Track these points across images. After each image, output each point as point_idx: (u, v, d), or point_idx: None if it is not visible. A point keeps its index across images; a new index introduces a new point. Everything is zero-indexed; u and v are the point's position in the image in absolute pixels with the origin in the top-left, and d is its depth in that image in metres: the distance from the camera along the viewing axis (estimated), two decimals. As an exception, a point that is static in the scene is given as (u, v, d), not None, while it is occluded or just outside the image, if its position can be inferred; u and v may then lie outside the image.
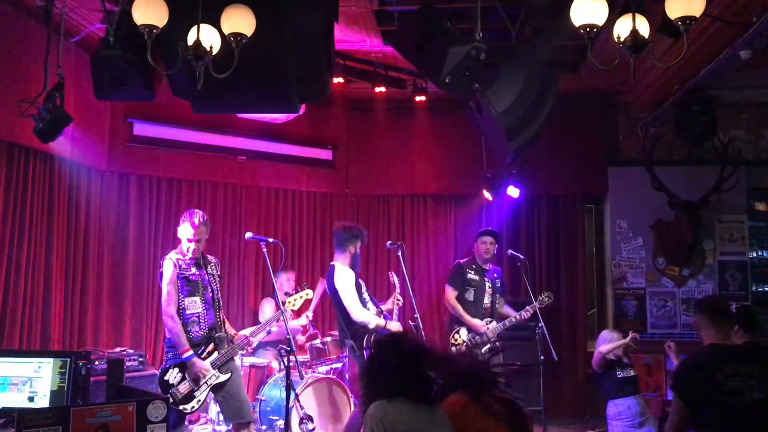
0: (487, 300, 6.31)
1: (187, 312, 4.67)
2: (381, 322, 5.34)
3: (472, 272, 6.33)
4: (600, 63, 3.64)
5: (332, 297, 5.44)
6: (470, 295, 6.27)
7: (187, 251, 4.76)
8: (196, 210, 4.89)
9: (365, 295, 5.49)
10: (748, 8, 4.81)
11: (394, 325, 5.40)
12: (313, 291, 5.81)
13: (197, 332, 4.69)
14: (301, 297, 5.43)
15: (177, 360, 4.62)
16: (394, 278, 5.72)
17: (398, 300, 5.58)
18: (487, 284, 6.35)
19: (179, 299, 4.66)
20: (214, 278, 4.89)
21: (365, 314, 5.30)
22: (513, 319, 6.22)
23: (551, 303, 6.34)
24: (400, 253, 5.66)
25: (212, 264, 4.95)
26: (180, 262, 4.71)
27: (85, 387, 3.91)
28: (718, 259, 7.53)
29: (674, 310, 7.54)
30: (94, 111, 6.35)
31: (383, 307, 5.59)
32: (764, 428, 3.17)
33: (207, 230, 4.86)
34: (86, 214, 6.39)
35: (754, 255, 7.66)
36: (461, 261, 6.52)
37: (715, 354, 3.36)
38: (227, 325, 5.08)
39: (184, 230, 4.76)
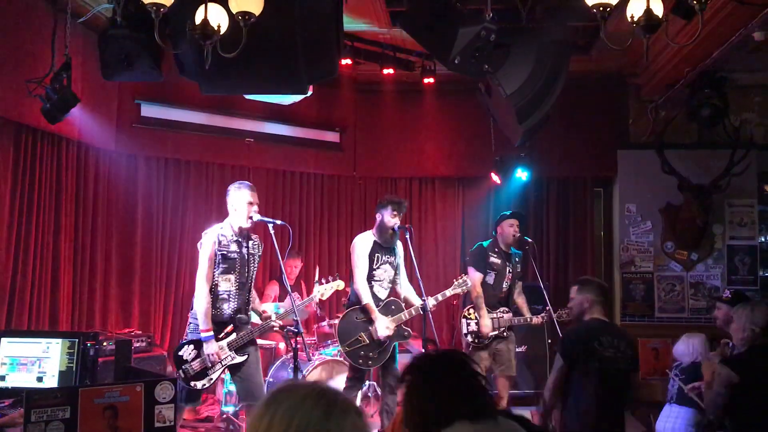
0: (505, 285, 6.20)
1: (220, 289, 4.61)
2: (372, 306, 5.37)
3: (495, 256, 6.20)
4: (612, 44, 3.59)
5: None
6: (490, 279, 6.17)
7: (242, 220, 4.64)
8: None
9: (381, 268, 5.53)
10: (763, -12, 4.74)
11: (380, 321, 5.38)
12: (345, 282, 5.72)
13: (226, 310, 4.63)
14: (332, 287, 5.40)
15: (196, 336, 4.58)
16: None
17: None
18: (509, 269, 6.24)
19: (213, 276, 4.60)
20: (254, 258, 4.81)
21: (364, 288, 5.37)
22: (523, 320, 6.15)
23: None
24: (408, 236, 5.63)
25: (255, 242, 4.85)
26: (221, 238, 4.62)
27: (93, 367, 3.94)
28: (727, 243, 7.48)
29: (682, 294, 7.51)
30: (102, 92, 6.33)
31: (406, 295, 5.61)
32: (622, 394, 3.84)
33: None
34: (94, 196, 6.38)
35: (764, 239, 7.59)
36: (483, 243, 6.40)
37: (595, 327, 3.90)
38: (257, 302, 5.02)
39: (241, 196, 4.65)
